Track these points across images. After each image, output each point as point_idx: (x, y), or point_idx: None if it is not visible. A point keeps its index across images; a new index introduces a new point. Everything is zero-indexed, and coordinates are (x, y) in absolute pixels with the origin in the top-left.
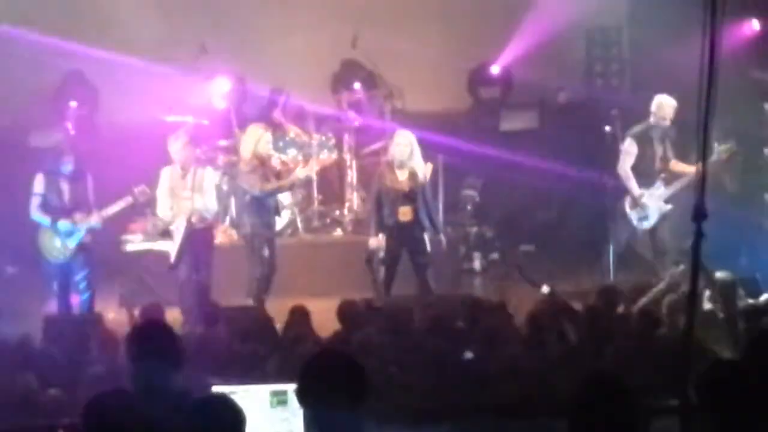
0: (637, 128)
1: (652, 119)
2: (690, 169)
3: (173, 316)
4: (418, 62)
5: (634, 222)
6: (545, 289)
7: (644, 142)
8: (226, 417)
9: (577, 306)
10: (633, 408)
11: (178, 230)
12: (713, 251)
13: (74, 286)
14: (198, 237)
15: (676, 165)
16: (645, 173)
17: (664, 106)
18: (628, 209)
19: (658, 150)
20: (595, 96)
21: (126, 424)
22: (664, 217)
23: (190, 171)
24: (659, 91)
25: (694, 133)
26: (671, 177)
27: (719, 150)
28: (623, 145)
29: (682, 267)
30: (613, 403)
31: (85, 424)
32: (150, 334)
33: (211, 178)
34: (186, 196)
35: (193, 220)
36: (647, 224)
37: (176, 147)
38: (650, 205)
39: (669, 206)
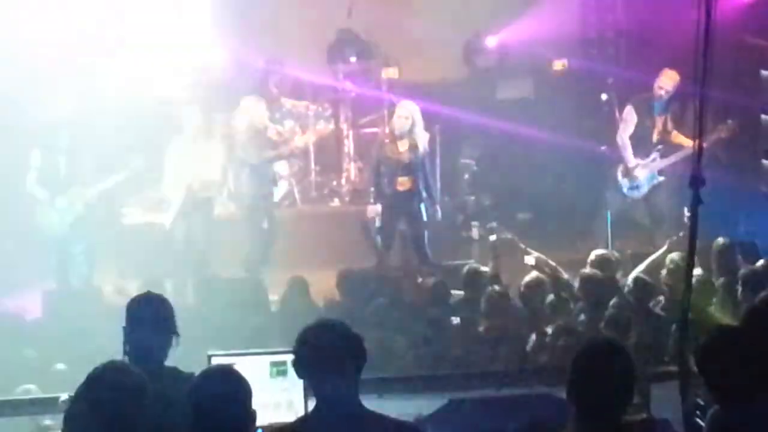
0: (638, 97)
1: (656, 91)
2: (689, 142)
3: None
4: (414, 32)
5: (625, 190)
6: (530, 260)
7: (644, 111)
8: (232, 387)
9: (574, 274)
10: (632, 371)
11: (176, 200)
12: (711, 219)
13: (72, 259)
14: (198, 208)
15: (677, 137)
16: (642, 143)
17: (665, 78)
18: (620, 177)
19: (658, 121)
20: (591, 64)
21: (127, 394)
22: (656, 188)
23: (197, 141)
24: (654, 59)
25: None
26: (669, 149)
27: (720, 129)
28: (623, 112)
29: (681, 234)
30: (612, 368)
31: (87, 395)
32: (145, 305)
33: (216, 149)
34: (188, 165)
35: (195, 188)
36: (637, 194)
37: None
38: (642, 176)
39: (661, 178)
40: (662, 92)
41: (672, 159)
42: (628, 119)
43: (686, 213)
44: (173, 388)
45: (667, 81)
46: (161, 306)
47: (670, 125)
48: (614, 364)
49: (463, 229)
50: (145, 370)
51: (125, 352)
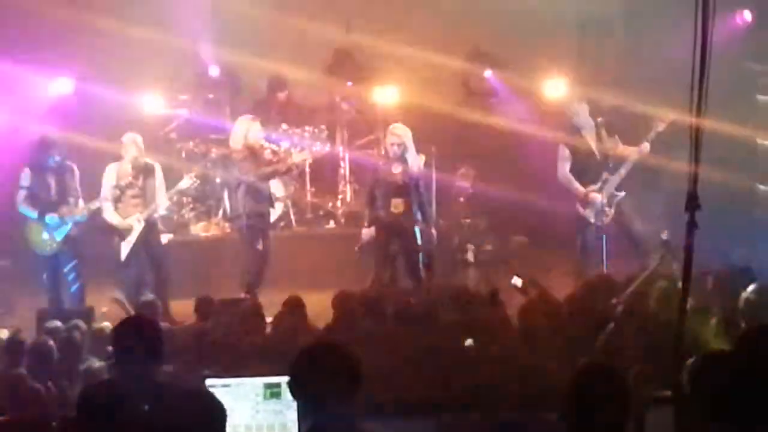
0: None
1: (573, 120)
2: (630, 151)
3: (174, 309)
4: (411, 54)
5: (592, 220)
6: (516, 281)
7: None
8: (208, 411)
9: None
10: (627, 396)
11: (133, 228)
12: (705, 244)
13: (63, 277)
14: (154, 236)
15: (623, 150)
16: (590, 170)
17: (576, 109)
18: (581, 210)
19: (593, 145)
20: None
21: (114, 415)
22: (621, 205)
23: (141, 167)
24: (651, 84)
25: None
26: (617, 164)
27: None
28: (558, 151)
29: (662, 254)
30: (608, 392)
31: (78, 414)
32: (132, 328)
33: (160, 174)
34: (137, 193)
35: (148, 218)
36: (606, 218)
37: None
38: (597, 200)
39: (621, 193)
40: (587, 119)
41: (622, 172)
42: (563, 156)
43: (663, 234)
44: (157, 409)
45: (582, 109)
46: (145, 329)
47: (608, 144)
48: (608, 390)
49: (459, 251)
50: (130, 391)
51: (113, 370)
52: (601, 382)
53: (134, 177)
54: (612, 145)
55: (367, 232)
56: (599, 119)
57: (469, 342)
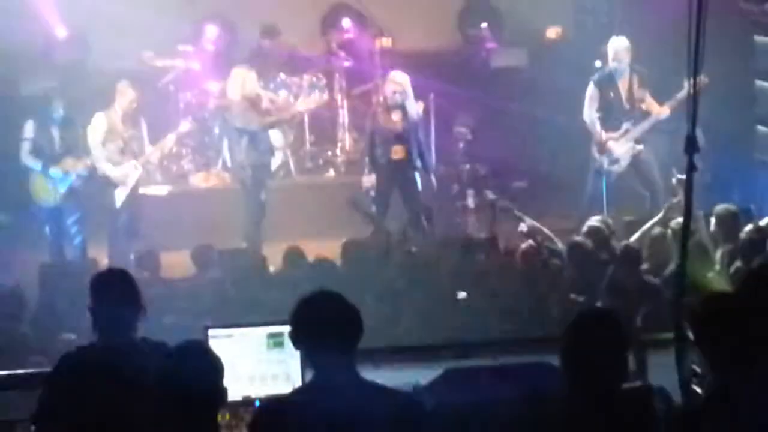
0: (598, 73)
1: (610, 63)
2: (656, 109)
3: (168, 260)
4: (407, 1)
5: (605, 166)
6: (523, 227)
7: (606, 86)
8: (203, 363)
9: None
10: (624, 340)
11: (129, 176)
12: (705, 185)
13: (66, 230)
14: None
15: (649, 104)
16: (613, 116)
17: (617, 49)
18: (596, 155)
19: (623, 92)
20: (585, 33)
21: (95, 374)
22: (638, 157)
23: (130, 115)
24: (649, 27)
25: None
26: (641, 117)
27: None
28: (586, 90)
29: (675, 200)
30: (604, 336)
31: (56, 375)
32: (108, 280)
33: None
34: (127, 140)
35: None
36: (618, 167)
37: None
38: (616, 148)
39: (640, 146)
40: (622, 64)
41: (645, 125)
42: (593, 96)
43: (674, 176)
44: (148, 358)
45: (622, 52)
46: (125, 280)
47: (638, 93)
48: (605, 334)
49: (459, 198)
50: (116, 345)
51: (94, 329)
52: (597, 326)
53: (123, 124)
54: (641, 96)
55: (368, 180)
56: (636, 66)
57: (462, 295)
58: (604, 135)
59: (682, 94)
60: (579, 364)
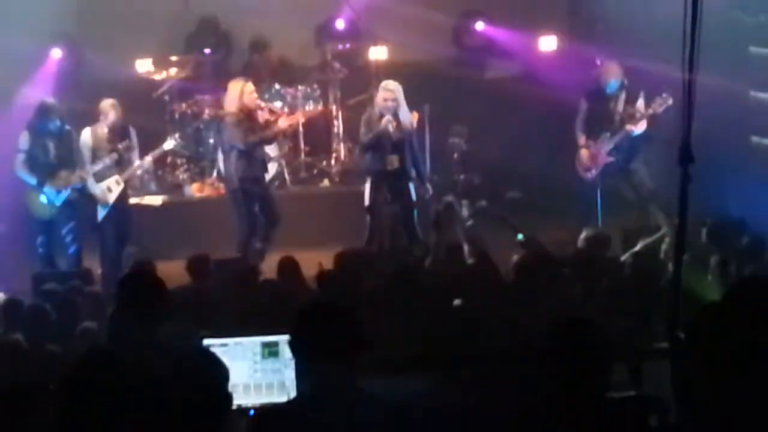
0: (590, 86)
1: (602, 77)
2: (634, 123)
3: (163, 270)
4: (402, 12)
5: (580, 173)
6: (521, 237)
7: (596, 100)
8: (210, 371)
9: (563, 252)
10: (602, 347)
11: (112, 191)
12: (701, 197)
13: (60, 240)
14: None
15: (635, 120)
16: (602, 129)
17: (607, 70)
18: (576, 162)
19: (613, 106)
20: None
21: (113, 380)
22: (608, 168)
23: (118, 131)
24: (643, 35)
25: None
26: (621, 129)
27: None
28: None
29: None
30: (583, 345)
31: (75, 380)
32: (135, 285)
33: (135, 138)
34: (113, 156)
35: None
36: (590, 176)
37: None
38: (584, 156)
39: (610, 158)
40: (613, 82)
41: (616, 138)
42: (581, 108)
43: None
44: (158, 370)
45: (612, 73)
46: (148, 287)
47: (621, 108)
48: (583, 342)
49: (453, 207)
50: (129, 353)
51: (108, 332)
52: (575, 336)
53: (110, 140)
54: (631, 113)
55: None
56: (624, 81)
57: (457, 302)
58: (581, 143)
59: (658, 108)
60: (559, 374)
